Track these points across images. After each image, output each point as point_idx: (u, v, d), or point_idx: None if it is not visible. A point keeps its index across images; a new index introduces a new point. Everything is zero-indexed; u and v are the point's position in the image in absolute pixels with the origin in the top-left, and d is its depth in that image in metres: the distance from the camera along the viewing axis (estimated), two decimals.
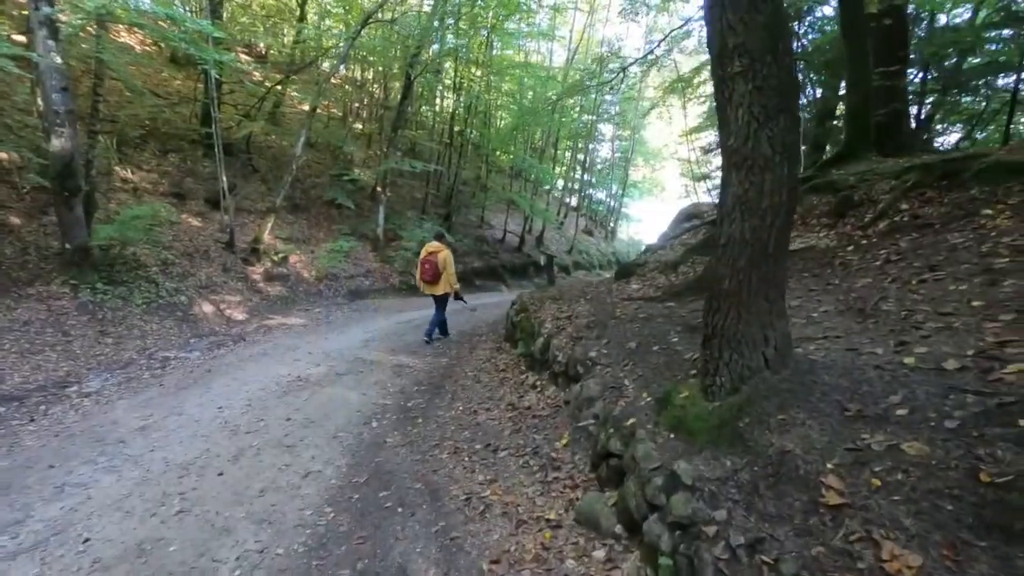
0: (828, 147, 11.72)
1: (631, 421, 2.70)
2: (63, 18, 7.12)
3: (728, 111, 2.13)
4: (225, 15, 13.06)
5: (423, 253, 6.83)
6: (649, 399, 2.88)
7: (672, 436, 2.38)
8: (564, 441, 3.45)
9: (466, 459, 3.53)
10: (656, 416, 2.64)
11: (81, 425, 4.42)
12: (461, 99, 17.44)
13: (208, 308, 8.51)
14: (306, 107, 13.00)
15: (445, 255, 6.70)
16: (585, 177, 29.27)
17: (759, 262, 2.13)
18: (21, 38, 8.48)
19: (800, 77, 12.71)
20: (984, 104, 10.55)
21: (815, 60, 11.69)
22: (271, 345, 7.07)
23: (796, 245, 5.02)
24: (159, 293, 8.04)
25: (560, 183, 27.92)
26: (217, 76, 9.60)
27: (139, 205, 9.00)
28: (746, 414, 2.11)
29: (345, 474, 3.46)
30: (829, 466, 1.74)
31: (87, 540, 2.77)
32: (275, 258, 10.57)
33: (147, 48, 14.13)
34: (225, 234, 9.96)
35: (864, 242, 4.24)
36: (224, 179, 9.73)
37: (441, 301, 7.02)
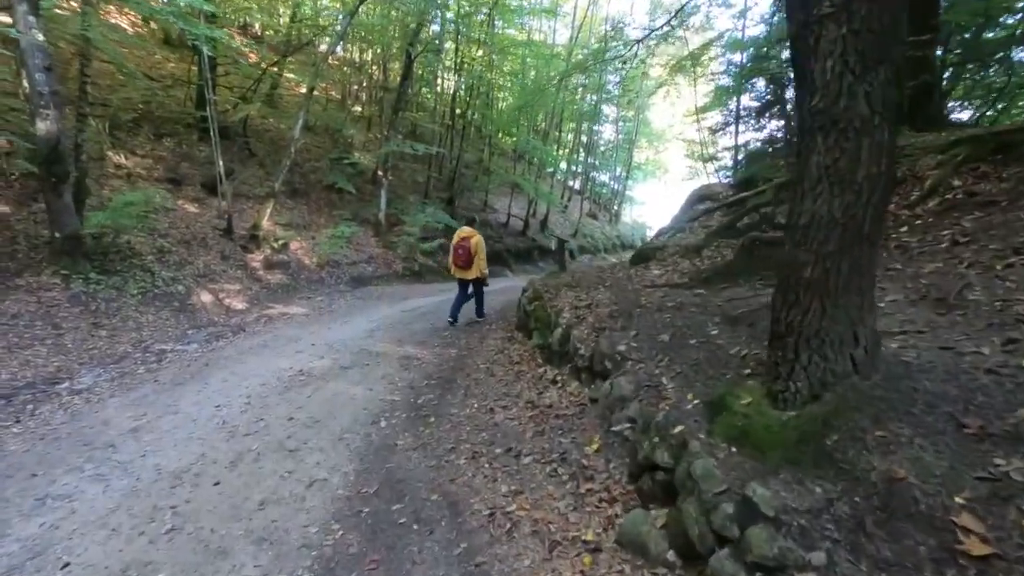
0: None
1: (679, 429, 2.36)
2: None
3: (812, 63, 1.74)
4: None
5: (455, 238, 6.99)
6: (696, 402, 2.54)
7: (734, 450, 2.05)
8: (595, 446, 3.12)
9: (486, 465, 3.20)
10: (709, 424, 2.30)
11: (69, 427, 4.11)
12: (462, 80, 16.87)
13: (206, 297, 8.18)
14: (304, 89, 12.52)
15: (477, 240, 6.89)
16: (589, 159, 28.70)
17: (852, 246, 1.76)
18: (8, 19, 8.03)
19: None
20: (1009, 77, 10.02)
21: None
22: (272, 336, 6.75)
23: None
24: (155, 283, 7.71)
25: (563, 165, 27.35)
26: (211, 55, 9.14)
27: (132, 191, 8.62)
28: (834, 428, 1.76)
29: (353, 483, 3.15)
30: (959, 500, 1.40)
31: (66, 565, 2.47)
32: (275, 245, 10.21)
33: (139, 30, 13.62)
34: (223, 220, 9.59)
35: (918, 222, 3.87)
36: (221, 163, 9.33)
37: (474, 285, 7.23)
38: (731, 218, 6.04)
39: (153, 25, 13.72)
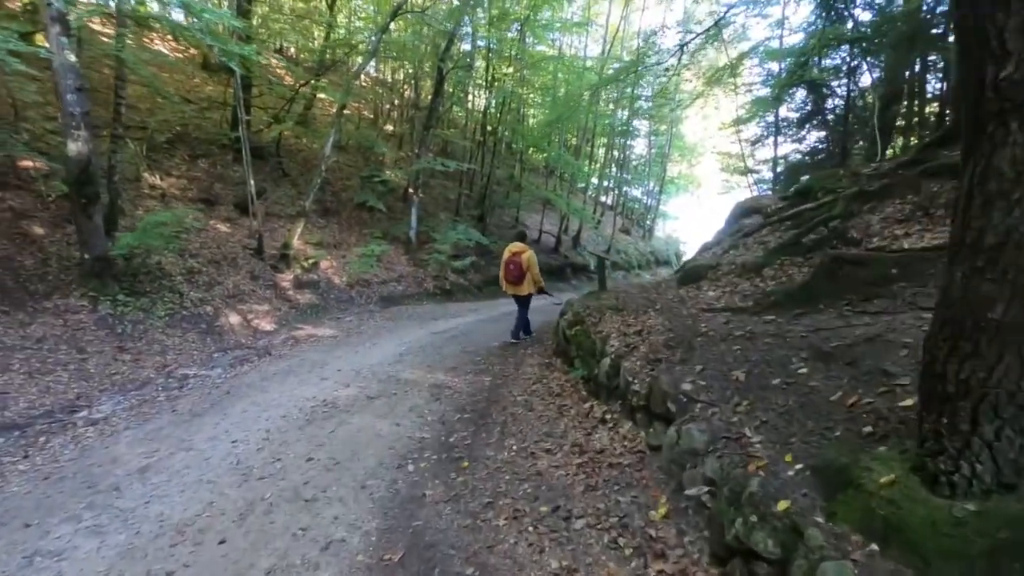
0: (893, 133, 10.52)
1: (784, 506, 1.83)
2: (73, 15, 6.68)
3: (997, 19, 1.25)
4: (256, 21, 12.61)
5: (506, 254, 6.82)
6: (800, 467, 2.00)
7: (876, 548, 1.51)
8: (662, 510, 2.59)
9: (530, 529, 2.70)
10: (826, 502, 1.76)
11: (76, 464, 3.82)
12: (493, 96, 16.69)
13: (234, 319, 7.98)
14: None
15: (529, 255, 6.71)
16: (621, 174, 28.15)
17: None
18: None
19: (855, 61, 11.45)
20: None
21: (876, 41, 10.41)
22: (297, 360, 6.44)
23: (927, 243, 4.03)
24: (183, 304, 7.55)
25: (595, 181, 26.84)
26: (244, 74, 9.10)
27: (165, 211, 8.57)
28: None
29: (375, 546, 2.69)
30: None
31: None
32: (305, 264, 10.03)
33: (179, 54, 13.92)
34: (254, 240, 9.48)
35: None
36: (252, 183, 9.23)
37: (525, 301, 6.99)
38: (795, 233, 5.44)
39: (192, 50, 14.00)
